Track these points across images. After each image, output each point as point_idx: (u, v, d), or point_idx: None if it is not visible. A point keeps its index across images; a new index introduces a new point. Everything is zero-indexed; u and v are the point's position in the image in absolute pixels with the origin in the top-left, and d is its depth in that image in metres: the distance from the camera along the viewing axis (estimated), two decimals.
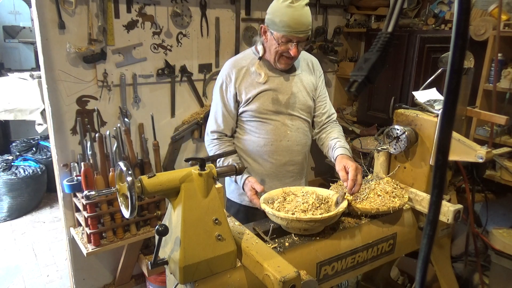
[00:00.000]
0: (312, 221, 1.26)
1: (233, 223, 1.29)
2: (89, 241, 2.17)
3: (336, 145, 1.74)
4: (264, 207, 1.34)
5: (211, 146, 1.83)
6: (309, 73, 1.87)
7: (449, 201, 1.60)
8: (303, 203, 1.35)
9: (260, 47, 1.78)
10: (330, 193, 1.46)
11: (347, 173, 1.47)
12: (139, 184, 1.05)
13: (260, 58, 1.76)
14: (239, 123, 1.85)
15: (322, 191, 1.48)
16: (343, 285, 2.22)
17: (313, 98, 1.86)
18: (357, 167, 1.46)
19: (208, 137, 1.85)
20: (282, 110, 1.77)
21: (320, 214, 1.29)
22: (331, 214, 1.28)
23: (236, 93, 1.77)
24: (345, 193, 1.41)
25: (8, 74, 3.90)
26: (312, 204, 1.35)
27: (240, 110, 1.80)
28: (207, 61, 2.76)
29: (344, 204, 1.35)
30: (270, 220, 1.36)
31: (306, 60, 1.89)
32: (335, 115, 1.94)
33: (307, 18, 1.62)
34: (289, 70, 1.80)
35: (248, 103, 1.76)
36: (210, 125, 1.85)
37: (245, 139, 1.83)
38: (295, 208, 1.34)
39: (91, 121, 2.35)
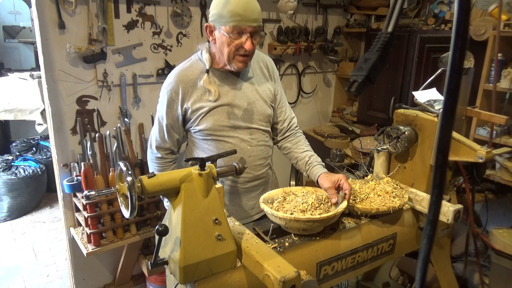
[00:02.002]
0: (310, 221, 1.26)
1: (233, 223, 1.29)
2: (89, 241, 2.18)
3: (311, 161, 1.66)
4: (263, 206, 1.34)
5: (154, 165, 1.69)
6: (265, 78, 1.70)
7: (449, 201, 1.60)
8: (302, 203, 1.35)
9: (206, 56, 1.58)
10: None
11: (338, 187, 1.45)
12: (139, 184, 1.05)
13: (207, 71, 1.58)
14: (194, 141, 1.70)
15: (322, 191, 1.48)
16: (343, 285, 2.22)
17: (272, 105, 1.72)
18: (345, 178, 1.47)
19: (152, 154, 1.69)
20: (240, 124, 1.62)
21: (319, 214, 1.29)
22: (330, 214, 1.28)
23: (184, 111, 1.61)
24: (345, 194, 1.41)
25: (8, 74, 3.90)
26: (311, 204, 1.34)
27: (193, 129, 1.65)
28: None
29: (343, 205, 1.34)
30: (270, 220, 1.36)
31: (259, 62, 1.71)
32: (295, 119, 1.82)
33: (257, 5, 1.47)
34: (242, 76, 1.64)
35: (199, 122, 1.60)
36: (155, 140, 1.67)
37: None
38: (294, 208, 1.34)
39: (91, 121, 2.35)
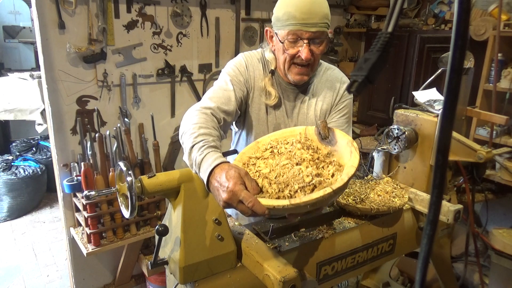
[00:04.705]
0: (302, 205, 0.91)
1: (233, 223, 1.29)
2: (89, 241, 2.17)
3: None
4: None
5: (192, 116, 1.18)
6: (329, 103, 1.45)
7: (449, 201, 1.60)
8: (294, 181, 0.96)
9: (269, 56, 1.38)
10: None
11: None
12: (139, 184, 1.05)
13: (272, 72, 1.37)
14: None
15: (314, 137, 1.10)
16: (343, 285, 2.22)
17: None
18: None
19: (198, 106, 1.25)
20: None
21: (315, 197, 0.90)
22: (329, 191, 0.89)
23: (246, 94, 1.36)
24: (325, 121, 1.07)
25: (8, 74, 3.90)
26: (308, 183, 0.96)
27: (237, 125, 1.45)
28: (207, 61, 2.76)
29: (353, 162, 0.95)
30: (270, 220, 1.36)
31: (333, 82, 1.44)
32: None
33: (321, 7, 1.23)
34: (303, 92, 1.41)
35: (244, 125, 1.41)
36: (204, 102, 1.28)
37: None
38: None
39: (91, 121, 2.36)
